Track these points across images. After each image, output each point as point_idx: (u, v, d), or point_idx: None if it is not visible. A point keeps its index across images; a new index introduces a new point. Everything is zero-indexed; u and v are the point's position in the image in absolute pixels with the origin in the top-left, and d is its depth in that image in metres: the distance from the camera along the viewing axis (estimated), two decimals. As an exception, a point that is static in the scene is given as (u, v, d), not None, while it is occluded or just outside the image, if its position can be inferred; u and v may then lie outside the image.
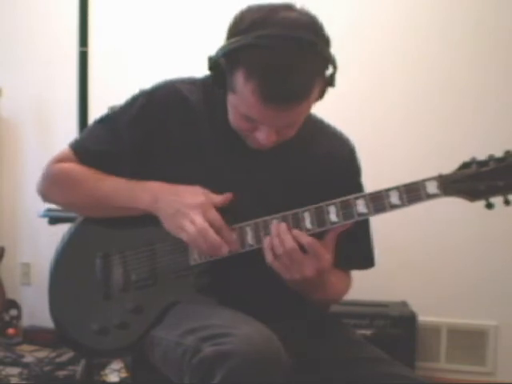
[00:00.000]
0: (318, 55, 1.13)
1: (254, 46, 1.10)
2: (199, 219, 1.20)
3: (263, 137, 1.19)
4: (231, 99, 1.19)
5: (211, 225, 1.21)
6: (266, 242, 1.19)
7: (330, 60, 1.16)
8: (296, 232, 1.18)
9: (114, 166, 1.32)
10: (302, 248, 1.18)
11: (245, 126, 1.21)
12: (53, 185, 1.39)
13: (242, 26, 1.14)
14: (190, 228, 1.20)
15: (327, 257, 1.19)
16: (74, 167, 1.35)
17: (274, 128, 1.18)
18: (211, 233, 1.20)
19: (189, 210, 1.21)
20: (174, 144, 1.30)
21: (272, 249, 1.18)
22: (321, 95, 1.19)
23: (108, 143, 1.32)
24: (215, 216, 1.22)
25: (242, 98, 1.15)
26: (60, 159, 1.38)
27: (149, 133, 1.30)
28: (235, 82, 1.14)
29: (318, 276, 1.18)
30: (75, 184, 1.34)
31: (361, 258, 1.37)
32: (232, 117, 1.23)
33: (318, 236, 1.20)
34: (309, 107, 1.19)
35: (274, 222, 1.20)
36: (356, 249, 1.34)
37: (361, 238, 1.36)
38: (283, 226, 1.18)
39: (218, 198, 1.24)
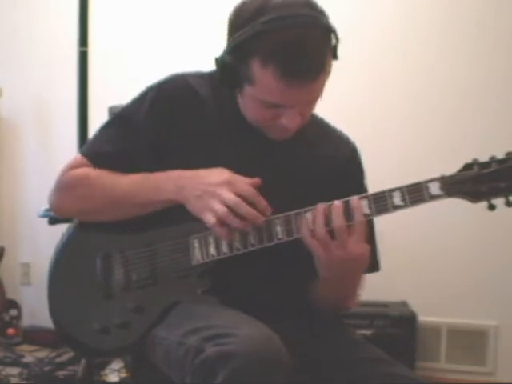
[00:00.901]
0: (322, 27, 1.16)
1: (262, 33, 1.13)
2: (229, 195, 1.18)
3: (289, 120, 1.20)
4: (249, 92, 1.20)
5: (243, 197, 1.18)
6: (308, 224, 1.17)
7: (332, 30, 1.19)
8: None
9: (129, 164, 1.30)
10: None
11: (267, 116, 1.21)
12: (68, 193, 1.35)
13: (243, 18, 1.16)
14: (218, 206, 1.17)
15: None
16: (89, 171, 1.32)
17: (297, 109, 1.19)
18: (244, 205, 1.17)
19: (215, 188, 1.19)
20: (185, 136, 1.29)
21: (319, 225, 1.16)
22: (330, 68, 1.21)
23: (122, 142, 1.30)
24: (245, 187, 1.20)
25: (262, 86, 1.16)
26: (73, 166, 1.35)
27: (163, 125, 1.29)
28: (251, 73, 1.16)
29: (362, 256, 1.18)
30: (92, 187, 1.31)
31: None
32: (251, 110, 1.23)
33: None
34: (326, 79, 1.20)
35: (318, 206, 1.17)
36: None
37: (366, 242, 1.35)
38: (339, 202, 1.16)
39: (247, 179, 1.22)
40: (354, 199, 1.17)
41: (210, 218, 1.18)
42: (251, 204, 1.19)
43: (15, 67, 3.02)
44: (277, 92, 1.16)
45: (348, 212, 1.16)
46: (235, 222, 1.18)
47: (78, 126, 2.43)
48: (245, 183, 1.20)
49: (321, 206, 1.17)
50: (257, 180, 1.22)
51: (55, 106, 2.97)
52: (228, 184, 1.20)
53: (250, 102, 1.22)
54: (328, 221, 1.16)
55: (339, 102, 2.51)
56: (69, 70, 2.56)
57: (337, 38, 1.20)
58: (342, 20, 2.48)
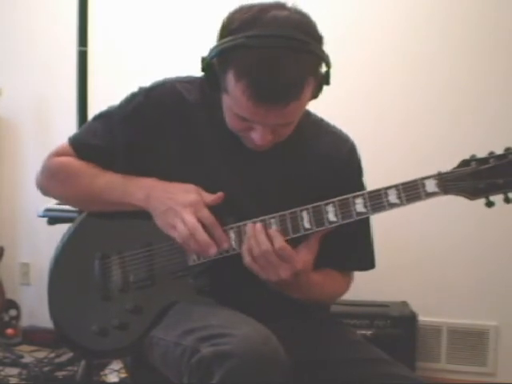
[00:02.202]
0: (309, 53, 1.12)
1: (244, 47, 1.10)
2: (190, 218, 1.21)
3: (258, 137, 1.18)
4: (225, 100, 1.19)
5: (202, 224, 1.21)
6: (244, 244, 1.19)
7: (322, 58, 1.15)
8: (272, 232, 1.18)
9: (109, 161, 1.33)
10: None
11: (240, 127, 1.20)
12: (51, 178, 1.41)
13: (233, 26, 1.14)
14: (180, 227, 1.21)
15: (304, 258, 1.19)
16: (71, 161, 1.36)
17: (268, 127, 1.17)
18: (200, 232, 1.20)
19: (180, 208, 1.22)
20: (171, 143, 1.30)
21: (249, 250, 1.18)
22: (316, 94, 1.19)
23: (103, 138, 1.33)
24: (206, 215, 1.22)
25: (234, 99, 1.15)
26: (59, 153, 1.40)
27: (143, 131, 1.30)
28: (227, 83, 1.14)
29: (295, 277, 1.18)
30: (72, 178, 1.36)
31: (361, 258, 1.36)
32: (227, 118, 1.22)
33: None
34: (302, 106, 1.18)
35: (249, 223, 1.20)
36: (356, 249, 1.34)
37: (361, 239, 1.35)
38: (258, 226, 1.19)
39: (211, 197, 1.24)
40: (249, 225, 1.19)
41: (174, 235, 1.23)
42: (223, 209, 1.23)
43: (15, 67, 3.01)
44: (245, 109, 1.14)
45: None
46: (193, 245, 1.21)
47: (77, 125, 2.42)
48: (207, 204, 1.23)
49: (250, 230, 1.19)
50: (219, 195, 1.24)
51: (55, 106, 2.96)
52: (192, 206, 1.22)
53: (226, 110, 1.21)
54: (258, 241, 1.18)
55: (339, 102, 2.50)
56: (68, 70, 2.55)
57: (328, 65, 1.17)
58: (342, 20, 2.51)
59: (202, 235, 1.20)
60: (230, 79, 1.13)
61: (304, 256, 1.19)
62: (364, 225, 1.33)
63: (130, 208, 1.30)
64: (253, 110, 1.13)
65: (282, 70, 1.09)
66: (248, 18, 1.13)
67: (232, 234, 1.23)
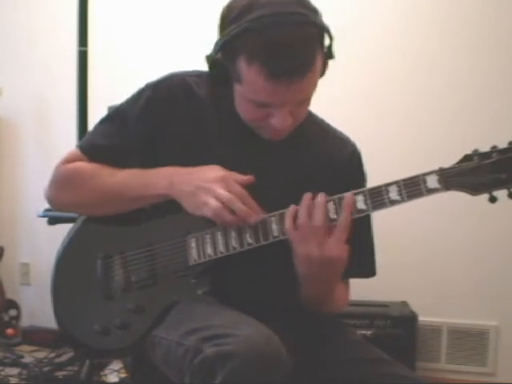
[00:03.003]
0: (312, 25, 1.14)
1: (248, 31, 1.11)
2: (223, 192, 1.18)
3: (278, 120, 1.18)
4: (238, 90, 1.19)
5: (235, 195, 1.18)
6: (288, 210, 1.17)
7: (324, 28, 1.16)
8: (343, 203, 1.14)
9: (123, 159, 1.31)
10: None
11: (257, 115, 1.20)
12: (63, 186, 1.36)
13: (232, 16, 1.15)
14: (213, 202, 1.17)
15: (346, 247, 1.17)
16: (83, 165, 1.34)
17: (286, 108, 1.17)
18: (238, 203, 1.17)
19: (210, 184, 1.19)
20: (181, 136, 1.29)
21: (302, 216, 1.15)
22: (323, 69, 1.20)
23: (116, 137, 1.31)
24: (238, 188, 1.19)
25: (249, 84, 1.15)
26: (68, 160, 1.36)
27: (156, 125, 1.29)
28: (239, 71, 1.14)
29: (338, 260, 1.16)
30: (88, 181, 1.32)
31: (362, 266, 1.34)
32: (243, 109, 1.22)
33: None
34: (316, 79, 1.18)
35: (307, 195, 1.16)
36: (356, 256, 1.31)
37: (362, 245, 1.32)
38: (323, 198, 1.16)
39: (240, 176, 1.22)
40: (348, 196, 1.15)
41: (207, 211, 1.19)
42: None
43: (15, 67, 3.01)
44: (263, 91, 1.14)
45: (336, 209, 1.15)
46: (229, 217, 1.18)
47: (77, 125, 2.43)
48: (238, 182, 1.20)
49: (306, 199, 1.17)
50: (250, 177, 1.22)
51: (55, 106, 2.96)
52: (221, 181, 1.19)
53: (240, 101, 1.21)
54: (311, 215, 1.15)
55: (339, 102, 2.51)
56: (68, 70, 2.56)
57: (330, 37, 1.18)
58: (342, 20, 2.51)
59: (240, 205, 1.17)
60: (242, 66, 1.13)
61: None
62: (365, 231, 1.32)
63: (153, 200, 1.27)
64: (271, 90, 1.13)
65: (291, 44, 1.10)
66: (246, 4, 1.14)
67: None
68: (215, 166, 1.23)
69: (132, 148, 1.30)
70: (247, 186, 1.23)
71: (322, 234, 1.15)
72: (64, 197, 1.37)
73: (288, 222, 1.17)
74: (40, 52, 2.96)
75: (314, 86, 1.19)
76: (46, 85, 2.97)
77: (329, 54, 1.19)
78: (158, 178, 1.25)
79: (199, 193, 1.20)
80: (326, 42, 1.19)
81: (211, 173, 1.21)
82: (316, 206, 1.15)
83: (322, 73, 1.20)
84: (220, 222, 1.20)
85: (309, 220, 1.15)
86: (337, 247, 1.15)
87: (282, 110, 1.17)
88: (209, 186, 1.19)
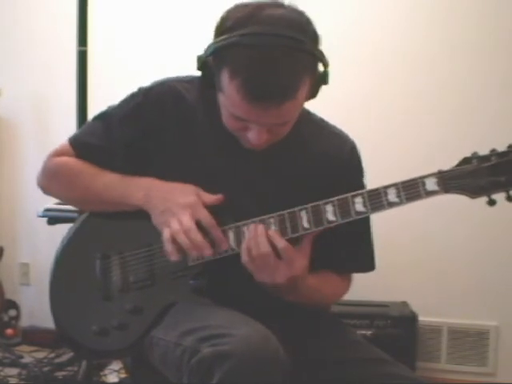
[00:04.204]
0: (304, 52, 1.11)
1: (238, 45, 1.09)
2: (186, 219, 1.20)
3: (254, 136, 1.17)
4: (221, 99, 1.19)
5: (199, 225, 1.20)
6: (244, 242, 1.19)
7: (317, 57, 1.14)
8: (272, 233, 1.17)
9: (108, 160, 1.33)
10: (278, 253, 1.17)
11: (236, 126, 1.20)
12: (51, 178, 1.41)
13: (228, 24, 1.13)
14: (174, 225, 1.21)
15: (301, 263, 1.18)
16: (71, 161, 1.36)
17: (264, 127, 1.16)
18: (195, 233, 1.19)
19: (178, 209, 1.22)
20: (171, 143, 1.29)
21: (248, 249, 1.18)
22: (313, 93, 1.18)
23: (102, 138, 1.33)
24: (205, 216, 1.22)
25: (228, 98, 1.14)
26: (58, 153, 1.40)
27: (142, 131, 1.30)
28: (222, 82, 1.14)
29: (289, 283, 1.18)
30: (72, 178, 1.36)
31: (360, 260, 1.35)
32: (224, 117, 1.22)
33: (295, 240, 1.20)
34: (298, 106, 1.17)
35: (251, 224, 1.20)
36: (355, 251, 1.33)
37: (361, 240, 1.34)
38: (260, 227, 1.18)
39: (210, 198, 1.24)
40: (251, 225, 1.19)
41: (165, 233, 1.22)
42: (224, 210, 1.23)
43: (14, 67, 3.01)
44: (240, 108, 1.13)
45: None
46: (184, 242, 1.20)
47: (77, 125, 2.42)
48: (206, 204, 1.23)
49: (252, 230, 1.18)
50: (219, 197, 1.24)
51: (54, 106, 2.96)
52: (191, 207, 1.21)
53: (222, 109, 1.21)
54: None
55: (339, 102, 2.50)
56: (68, 70, 2.55)
57: (325, 65, 1.16)
58: (342, 20, 2.51)
59: (197, 235, 1.20)
60: (225, 78, 1.12)
61: (300, 261, 1.19)
62: (364, 226, 1.33)
63: (130, 208, 1.30)
64: (247, 110, 1.12)
65: (276, 68, 1.08)
66: (243, 16, 1.12)
67: (231, 234, 1.22)
68: (190, 188, 1.25)
69: (115, 151, 1.32)
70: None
71: (273, 260, 1.17)
72: (52, 187, 1.42)
73: (244, 256, 1.19)
74: (40, 52, 2.96)
75: (294, 112, 1.17)
76: (45, 85, 2.97)
77: (323, 80, 1.17)
78: (135, 189, 1.28)
79: (167, 214, 1.23)
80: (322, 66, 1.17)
81: (184, 197, 1.24)
82: (259, 235, 1.17)
83: (312, 96, 1.18)
84: (170, 247, 1.22)
85: (257, 249, 1.17)
86: (289, 270, 1.17)
87: (259, 127, 1.16)
88: (176, 211, 1.22)
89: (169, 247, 1.22)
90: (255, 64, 1.08)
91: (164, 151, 1.30)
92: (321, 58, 1.14)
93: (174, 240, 1.21)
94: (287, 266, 1.17)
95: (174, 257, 1.23)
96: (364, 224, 1.32)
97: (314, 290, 1.27)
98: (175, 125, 1.29)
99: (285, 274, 1.17)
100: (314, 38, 1.14)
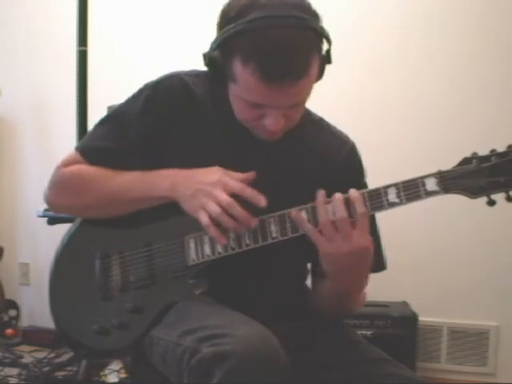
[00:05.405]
0: (310, 30, 1.13)
1: (246, 31, 1.11)
2: (221, 194, 1.17)
3: (271, 122, 1.18)
4: (234, 90, 1.19)
5: (236, 195, 1.17)
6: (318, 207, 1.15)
7: (322, 34, 1.16)
8: (356, 198, 1.13)
9: (123, 161, 1.30)
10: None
11: (251, 115, 1.20)
12: (63, 190, 1.36)
13: (230, 15, 1.15)
14: (211, 206, 1.16)
15: (370, 238, 1.15)
16: (83, 168, 1.33)
17: (280, 110, 1.17)
18: (236, 208, 1.16)
19: (209, 187, 1.19)
20: (181, 135, 1.29)
21: (322, 215, 1.14)
22: (320, 74, 1.19)
23: (115, 139, 1.31)
24: (236, 184, 1.18)
25: (243, 85, 1.15)
26: (66, 163, 1.36)
27: (156, 124, 1.29)
28: (234, 71, 1.14)
29: (364, 253, 1.15)
30: (89, 184, 1.31)
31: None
32: (237, 108, 1.22)
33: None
34: (311, 83, 1.18)
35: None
36: None
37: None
38: (338, 194, 1.15)
39: (240, 175, 1.21)
40: (353, 191, 1.15)
41: (203, 218, 1.18)
42: (246, 204, 1.18)
43: (14, 66, 3.01)
44: (256, 92, 1.14)
45: (349, 206, 1.14)
46: (228, 223, 1.17)
47: (77, 125, 2.43)
48: (237, 180, 1.19)
49: (321, 199, 1.16)
50: (250, 174, 1.21)
51: (54, 106, 2.97)
52: (221, 183, 1.19)
53: (235, 100, 1.21)
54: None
55: (339, 101, 2.51)
56: (68, 70, 2.56)
57: (329, 42, 1.17)
58: (342, 20, 2.51)
59: (239, 209, 1.16)
60: (237, 66, 1.13)
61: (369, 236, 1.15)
62: (372, 226, 1.32)
63: (155, 202, 1.27)
64: (264, 93, 1.13)
65: (287, 48, 1.10)
66: (245, 4, 1.14)
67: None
68: (215, 168, 1.23)
69: (132, 149, 1.30)
70: (252, 184, 1.22)
71: (348, 226, 1.13)
72: (64, 200, 1.36)
73: (309, 227, 1.15)
74: (39, 51, 2.96)
75: (308, 90, 1.18)
76: (45, 85, 2.98)
77: (327, 59, 1.19)
78: (160, 180, 1.25)
79: (199, 195, 1.19)
80: (325, 46, 1.18)
81: (211, 175, 1.21)
82: (335, 200, 1.14)
83: (319, 77, 1.20)
84: (215, 231, 1.18)
85: (331, 216, 1.14)
86: (363, 237, 1.14)
87: (275, 111, 1.17)
88: (209, 190, 1.18)
89: (213, 232, 1.18)
90: (267, 46, 1.10)
91: (175, 143, 1.28)
92: (325, 35, 1.16)
93: (215, 223, 1.17)
94: (361, 234, 1.14)
95: (223, 240, 1.18)
96: (371, 226, 1.31)
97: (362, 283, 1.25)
98: (185, 117, 1.29)
99: (357, 242, 1.13)
100: (315, 16, 1.16)
